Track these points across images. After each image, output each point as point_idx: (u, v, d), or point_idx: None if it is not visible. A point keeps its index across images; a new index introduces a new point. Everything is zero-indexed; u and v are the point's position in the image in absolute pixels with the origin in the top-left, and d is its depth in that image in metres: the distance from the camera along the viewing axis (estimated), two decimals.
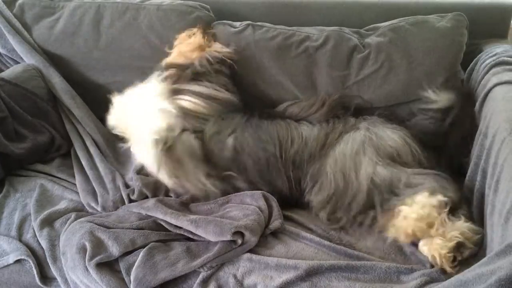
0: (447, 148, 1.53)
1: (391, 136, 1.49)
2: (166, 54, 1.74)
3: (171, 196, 1.48)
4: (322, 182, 1.43)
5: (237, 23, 1.79)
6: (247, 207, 1.35)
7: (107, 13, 1.84)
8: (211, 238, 1.24)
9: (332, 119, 1.59)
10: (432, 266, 1.18)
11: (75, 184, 1.54)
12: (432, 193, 1.28)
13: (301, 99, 1.72)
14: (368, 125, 1.53)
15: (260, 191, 1.41)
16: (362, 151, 1.43)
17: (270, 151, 1.49)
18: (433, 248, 1.19)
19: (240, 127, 1.53)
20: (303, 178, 1.48)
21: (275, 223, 1.32)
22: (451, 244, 1.17)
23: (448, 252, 1.16)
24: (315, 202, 1.41)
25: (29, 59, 1.82)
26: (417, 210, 1.24)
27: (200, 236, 1.27)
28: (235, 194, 1.44)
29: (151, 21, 1.81)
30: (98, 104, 1.90)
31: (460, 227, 1.21)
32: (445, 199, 1.26)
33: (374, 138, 1.47)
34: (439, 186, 1.31)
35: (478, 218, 1.26)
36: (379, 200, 1.33)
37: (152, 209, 1.35)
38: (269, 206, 1.37)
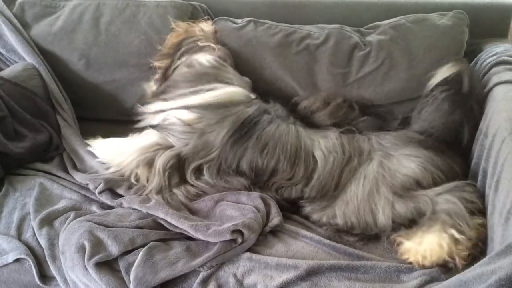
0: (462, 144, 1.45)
1: (408, 165, 1.37)
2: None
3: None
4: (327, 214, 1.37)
5: (239, 20, 1.80)
6: (243, 206, 1.35)
7: (107, 10, 1.84)
8: (211, 240, 1.24)
9: (344, 137, 1.49)
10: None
11: (74, 183, 1.54)
12: (444, 229, 1.21)
13: (302, 96, 1.72)
14: (382, 157, 1.41)
15: (257, 193, 1.41)
16: (375, 191, 1.35)
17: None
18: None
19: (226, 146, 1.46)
20: (302, 204, 1.43)
21: (275, 220, 1.32)
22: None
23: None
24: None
25: (29, 58, 1.81)
26: (423, 253, 1.18)
27: None
28: (231, 192, 1.43)
29: (151, 18, 1.81)
30: (96, 103, 1.90)
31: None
32: (459, 236, 1.18)
33: (387, 175, 1.36)
34: (454, 217, 1.23)
35: None
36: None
37: (153, 207, 1.35)
38: (267, 205, 1.37)
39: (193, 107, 1.52)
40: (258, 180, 1.44)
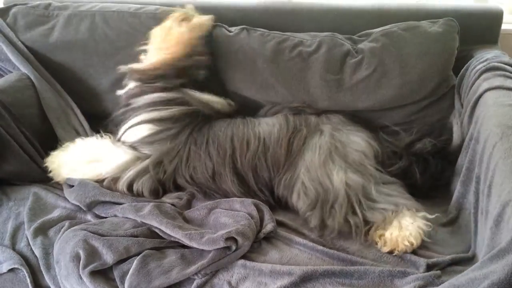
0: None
1: (354, 139, 1.55)
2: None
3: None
4: (299, 190, 1.44)
5: (232, 28, 1.80)
6: (236, 213, 1.35)
7: (103, 22, 1.84)
8: (205, 248, 1.24)
9: (290, 115, 1.63)
10: (427, 270, 1.18)
11: None
12: (413, 213, 1.34)
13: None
14: (332, 130, 1.57)
15: (250, 199, 1.42)
16: (330, 160, 1.47)
17: (216, 160, 1.53)
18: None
19: (189, 140, 1.57)
20: (276, 186, 1.51)
21: (268, 226, 1.32)
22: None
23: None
24: (301, 208, 1.43)
25: (23, 68, 1.81)
26: (409, 238, 1.27)
27: None
28: (225, 199, 1.45)
29: (149, 28, 1.80)
30: (95, 114, 1.89)
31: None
32: (432, 217, 1.33)
33: (339, 146, 1.51)
34: (414, 202, 1.38)
35: (474, 223, 1.26)
36: (358, 205, 1.36)
37: (147, 216, 1.35)
38: (260, 211, 1.38)
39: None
40: (225, 159, 1.52)
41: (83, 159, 1.58)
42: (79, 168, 1.57)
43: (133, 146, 1.60)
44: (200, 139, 1.57)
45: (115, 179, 1.55)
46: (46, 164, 1.59)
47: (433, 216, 1.33)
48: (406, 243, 1.25)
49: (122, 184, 1.53)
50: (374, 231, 1.32)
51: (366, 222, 1.34)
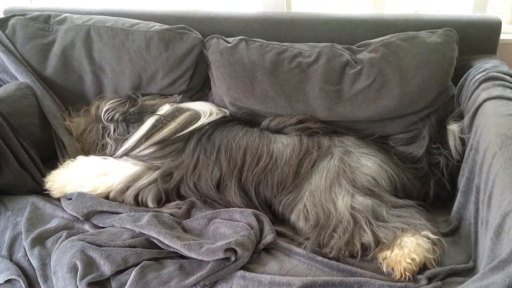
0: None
1: (365, 163, 1.52)
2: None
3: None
4: (299, 212, 1.43)
5: (231, 39, 1.81)
6: (236, 224, 1.35)
7: (98, 37, 1.85)
8: (204, 259, 1.23)
9: (304, 136, 1.62)
10: (428, 282, 1.17)
11: None
12: (419, 233, 1.28)
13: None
14: (343, 153, 1.55)
15: (250, 209, 1.42)
16: (337, 184, 1.45)
17: (226, 169, 1.54)
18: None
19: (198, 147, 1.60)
20: (275, 204, 1.51)
21: (268, 238, 1.32)
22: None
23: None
24: (301, 229, 1.41)
25: (22, 77, 1.82)
26: (409, 254, 1.22)
27: None
28: (225, 209, 1.45)
29: (139, 46, 1.82)
30: None
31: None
32: (434, 237, 1.27)
33: (347, 170, 1.49)
34: (426, 223, 1.33)
35: (474, 233, 1.26)
36: (368, 225, 1.32)
37: (145, 227, 1.34)
38: (260, 222, 1.37)
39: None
40: (234, 171, 1.54)
41: (90, 174, 1.57)
42: (87, 183, 1.55)
43: (142, 159, 1.62)
44: (211, 147, 1.59)
45: (122, 191, 1.55)
46: (47, 184, 1.57)
47: (435, 237, 1.27)
48: (408, 260, 1.20)
49: (129, 195, 1.53)
50: (379, 252, 1.28)
51: (378, 241, 1.30)
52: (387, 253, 1.25)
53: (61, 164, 1.65)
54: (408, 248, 1.23)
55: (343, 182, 1.45)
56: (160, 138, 1.65)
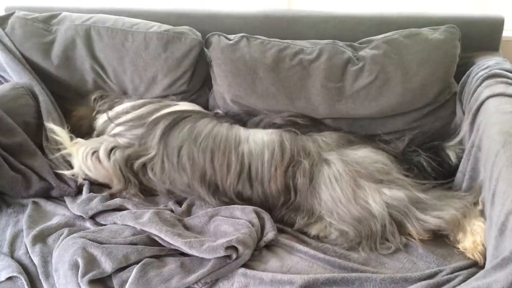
0: None
1: (365, 154, 1.48)
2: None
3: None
4: (325, 228, 1.38)
5: (232, 36, 1.80)
6: (237, 221, 1.35)
7: (98, 37, 1.84)
8: (205, 256, 1.23)
9: (287, 139, 1.52)
10: (429, 278, 1.17)
11: None
12: (475, 216, 1.28)
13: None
14: (339, 155, 1.47)
15: (251, 206, 1.41)
16: (358, 189, 1.37)
17: (192, 177, 1.51)
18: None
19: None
20: (275, 213, 1.45)
21: (269, 235, 1.32)
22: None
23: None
24: (335, 238, 1.35)
25: (20, 76, 1.81)
26: (481, 241, 1.23)
27: None
28: (226, 207, 1.44)
29: (138, 48, 1.82)
30: None
31: None
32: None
33: (359, 168, 1.41)
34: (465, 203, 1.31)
35: None
36: (411, 213, 1.31)
37: (147, 224, 1.34)
38: (261, 219, 1.37)
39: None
40: (204, 177, 1.49)
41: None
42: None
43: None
44: (171, 149, 1.55)
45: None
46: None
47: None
48: (482, 247, 1.21)
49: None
50: (455, 240, 1.29)
51: (426, 230, 1.30)
52: (464, 244, 1.25)
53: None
54: (479, 235, 1.23)
55: (363, 183, 1.38)
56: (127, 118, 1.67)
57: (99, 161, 1.57)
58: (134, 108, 1.71)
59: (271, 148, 1.48)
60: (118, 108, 1.74)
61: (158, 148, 1.56)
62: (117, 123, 1.68)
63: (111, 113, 1.72)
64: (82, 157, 1.58)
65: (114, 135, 1.66)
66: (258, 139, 1.52)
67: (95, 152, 1.59)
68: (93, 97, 1.84)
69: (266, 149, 1.48)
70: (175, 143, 1.55)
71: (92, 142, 1.65)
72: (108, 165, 1.56)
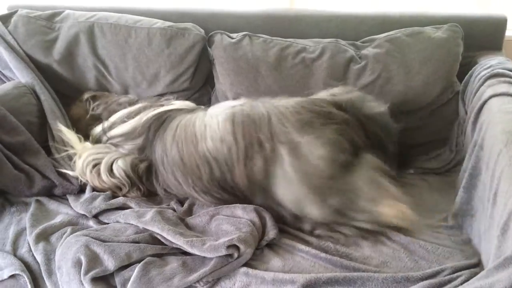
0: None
1: (316, 152, 1.34)
2: None
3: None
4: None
5: (234, 34, 1.80)
6: (238, 220, 1.34)
7: (101, 34, 1.85)
8: (207, 255, 1.23)
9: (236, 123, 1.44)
10: (431, 278, 1.17)
11: None
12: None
13: None
14: (290, 149, 1.34)
15: (252, 205, 1.41)
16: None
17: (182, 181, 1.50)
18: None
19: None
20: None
21: (270, 233, 1.32)
22: None
23: None
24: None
25: (23, 75, 1.81)
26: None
27: None
28: (226, 206, 1.43)
29: (141, 44, 1.82)
30: None
31: None
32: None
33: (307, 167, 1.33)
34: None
35: (476, 231, 1.26)
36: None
37: (149, 223, 1.34)
38: (262, 218, 1.37)
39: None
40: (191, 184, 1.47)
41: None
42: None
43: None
44: (158, 154, 1.54)
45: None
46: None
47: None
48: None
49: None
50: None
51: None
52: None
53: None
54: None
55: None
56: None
57: (99, 174, 1.56)
58: (130, 116, 1.67)
59: (227, 143, 1.41)
60: (112, 118, 1.71)
61: (151, 153, 1.57)
62: (113, 135, 1.67)
63: (107, 123, 1.70)
64: (82, 166, 1.57)
65: (113, 145, 1.66)
66: (215, 125, 1.46)
67: (96, 165, 1.57)
68: (85, 98, 1.83)
69: (224, 139, 1.42)
70: (164, 146, 1.53)
71: (96, 149, 1.63)
72: (107, 179, 1.55)
